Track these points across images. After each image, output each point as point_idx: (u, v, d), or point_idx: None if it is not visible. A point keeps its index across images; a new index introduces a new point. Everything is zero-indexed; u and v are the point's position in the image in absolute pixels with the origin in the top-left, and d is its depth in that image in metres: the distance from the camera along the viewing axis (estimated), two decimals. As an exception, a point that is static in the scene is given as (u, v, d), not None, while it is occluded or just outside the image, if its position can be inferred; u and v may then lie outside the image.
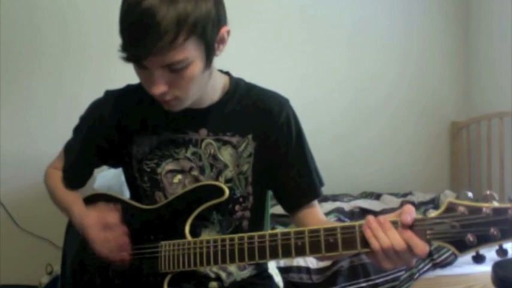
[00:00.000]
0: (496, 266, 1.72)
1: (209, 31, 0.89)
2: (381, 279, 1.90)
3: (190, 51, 0.87)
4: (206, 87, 1.00)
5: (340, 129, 2.94)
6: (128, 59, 0.88)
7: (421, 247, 0.76)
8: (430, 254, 1.99)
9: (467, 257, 2.28)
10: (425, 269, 1.99)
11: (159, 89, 0.89)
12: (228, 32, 0.95)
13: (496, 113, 2.72)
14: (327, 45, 2.94)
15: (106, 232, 0.99)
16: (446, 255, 1.99)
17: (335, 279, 1.89)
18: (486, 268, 1.87)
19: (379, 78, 3.01)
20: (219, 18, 0.91)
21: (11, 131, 2.58)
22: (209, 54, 0.92)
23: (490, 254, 2.20)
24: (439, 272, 2.02)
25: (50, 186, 1.18)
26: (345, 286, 1.89)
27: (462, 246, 0.74)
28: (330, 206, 2.48)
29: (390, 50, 3.02)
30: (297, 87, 2.81)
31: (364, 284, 1.90)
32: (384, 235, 0.78)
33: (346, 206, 2.53)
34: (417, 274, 1.97)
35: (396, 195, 2.73)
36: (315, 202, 1.08)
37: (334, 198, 2.65)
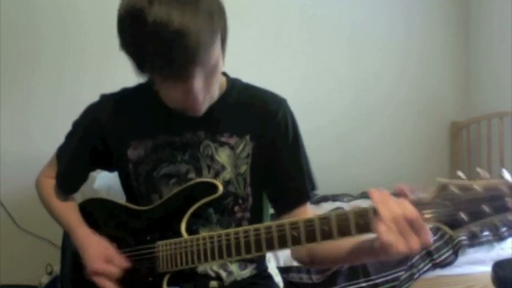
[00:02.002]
0: (496, 266, 1.72)
1: (226, 24, 0.91)
2: (381, 279, 1.90)
3: (218, 47, 0.88)
4: None
5: (340, 129, 2.94)
6: (166, 71, 0.82)
7: (411, 211, 0.75)
8: (430, 254, 1.99)
9: (468, 257, 2.28)
10: (425, 269, 1.99)
11: (201, 95, 0.88)
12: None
13: (496, 113, 2.73)
14: (327, 45, 2.94)
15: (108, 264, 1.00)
16: (447, 255, 1.99)
17: (335, 279, 1.89)
18: (486, 268, 1.87)
19: (379, 78, 3.01)
20: (225, 11, 0.92)
21: (11, 131, 2.58)
22: (224, 46, 0.93)
23: (490, 254, 2.19)
24: (439, 272, 2.02)
25: (44, 196, 1.17)
26: (345, 286, 1.89)
27: (455, 225, 0.74)
28: (330, 206, 2.48)
29: (390, 50, 3.02)
30: (297, 87, 2.82)
31: (364, 284, 1.90)
32: (395, 202, 0.77)
33: (346, 206, 2.52)
34: (417, 274, 1.97)
35: (396, 195, 2.72)
36: (306, 205, 1.07)
37: (334, 198, 2.65)
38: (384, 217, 0.76)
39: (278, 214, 1.09)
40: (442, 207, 0.75)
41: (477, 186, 0.73)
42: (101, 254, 1.01)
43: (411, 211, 0.75)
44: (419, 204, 0.76)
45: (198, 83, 0.86)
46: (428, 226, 0.76)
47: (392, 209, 0.76)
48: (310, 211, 1.07)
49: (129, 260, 1.02)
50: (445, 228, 0.75)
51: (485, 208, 0.71)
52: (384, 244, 0.75)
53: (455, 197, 0.74)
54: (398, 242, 0.74)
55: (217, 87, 1.04)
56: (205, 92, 0.91)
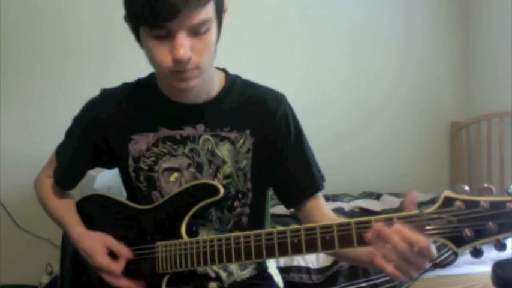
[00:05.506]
0: (496, 266, 1.72)
1: None
2: (381, 279, 1.90)
3: (211, 13, 0.89)
4: (211, 67, 1.00)
5: (340, 129, 2.94)
6: (154, 21, 0.85)
7: (422, 242, 0.73)
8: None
9: (467, 257, 2.28)
10: (425, 269, 1.99)
11: (185, 52, 0.87)
12: (226, 8, 0.97)
13: (496, 113, 2.73)
14: (327, 45, 2.94)
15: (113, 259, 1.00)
16: (446, 255, 1.99)
17: (335, 279, 1.89)
18: (486, 268, 1.87)
19: (379, 78, 3.01)
20: None
21: (11, 131, 2.58)
22: (220, 21, 0.94)
23: (490, 254, 2.19)
24: (439, 272, 2.02)
25: (42, 196, 1.17)
26: (345, 286, 1.89)
27: (460, 242, 0.72)
28: (330, 206, 2.44)
29: (390, 50, 3.02)
30: (297, 87, 2.81)
31: (364, 284, 1.90)
32: (399, 238, 0.74)
33: (346, 206, 2.53)
34: (417, 274, 1.97)
35: (396, 195, 2.73)
36: (318, 196, 1.07)
37: (334, 198, 2.65)
38: (390, 259, 0.75)
39: (288, 208, 1.10)
40: (446, 223, 0.73)
41: (484, 202, 0.71)
42: (101, 247, 1.01)
43: (422, 242, 0.73)
44: (423, 219, 0.75)
45: (181, 39, 0.86)
46: (432, 241, 0.75)
47: (398, 246, 0.73)
48: (323, 203, 1.08)
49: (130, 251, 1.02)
50: (450, 245, 0.73)
51: (492, 226, 0.70)
52: (391, 275, 0.76)
53: (461, 213, 0.72)
54: (407, 271, 0.75)
55: (217, 82, 1.05)
56: (194, 59, 0.89)
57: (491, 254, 1.97)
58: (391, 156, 3.03)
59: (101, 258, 0.99)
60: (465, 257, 2.02)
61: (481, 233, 0.71)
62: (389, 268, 0.75)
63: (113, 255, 1.01)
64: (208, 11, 0.88)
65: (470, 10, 3.06)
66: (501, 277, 1.67)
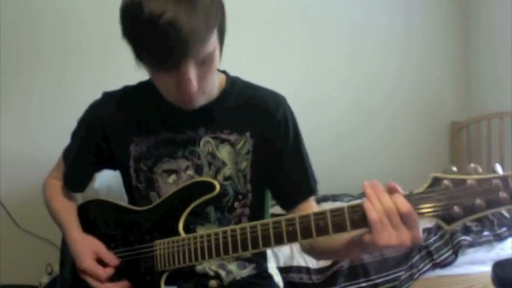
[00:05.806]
0: (496, 266, 1.72)
1: (224, 18, 0.92)
2: (381, 279, 1.90)
3: (214, 40, 0.89)
4: None
5: (340, 129, 2.94)
6: (160, 59, 0.84)
7: (405, 206, 0.75)
8: (430, 254, 1.99)
9: (468, 257, 2.27)
10: (425, 269, 1.99)
11: (194, 87, 0.87)
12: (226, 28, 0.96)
13: (496, 113, 2.73)
14: (327, 45, 2.94)
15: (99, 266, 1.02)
16: (446, 255, 1.99)
17: (335, 279, 1.89)
18: (486, 268, 1.87)
19: (379, 78, 3.01)
20: (223, 6, 0.93)
21: (11, 131, 2.58)
22: (222, 40, 0.94)
23: (490, 254, 2.18)
24: (439, 272, 2.02)
25: (47, 198, 1.18)
26: (345, 286, 1.89)
27: (449, 219, 0.74)
28: (330, 206, 2.47)
29: (390, 50, 3.02)
30: (297, 87, 2.82)
31: (364, 284, 1.90)
32: (388, 195, 0.77)
33: (346, 206, 2.53)
34: (417, 274, 1.97)
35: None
36: (311, 199, 1.08)
37: (334, 198, 2.65)
38: (377, 209, 0.76)
39: (284, 210, 1.10)
40: (436, 202, 0.75)
41: (470, 180, 0.73)
42: (89, 251, 1.03)
43: (404, 205, 0.75)
44: (413, 199, 0.77)
45: (190, 75, 0.86)
46: (424, 220, 0.76)
47: (385, 202, 0.77)
48: (315, 206, 1.08)
49: (123, 258, 1.03)
50: (440, 222, 0.75)
51: (479, 201, 0.72)
52: (375, 235, 0.76)
53: (449, 191, 0.74)
54: (389, 235, 0.76)
55: (217, 85, 1.04)
56: (200, 86, 0.90)
57: (491, 254, 1.99)
58: (391, 156, 3.03)
59: (88, 262, 1.01)
60: (465, 257, 2.02)
61: (469, 209, 0.73)
62: (373, 212, 0.76)
63: (100, 262, 1.03)
64: (213, 42, 0.87)
65: (470, 10, 3.06)
66: (501, 277, 1.67)
